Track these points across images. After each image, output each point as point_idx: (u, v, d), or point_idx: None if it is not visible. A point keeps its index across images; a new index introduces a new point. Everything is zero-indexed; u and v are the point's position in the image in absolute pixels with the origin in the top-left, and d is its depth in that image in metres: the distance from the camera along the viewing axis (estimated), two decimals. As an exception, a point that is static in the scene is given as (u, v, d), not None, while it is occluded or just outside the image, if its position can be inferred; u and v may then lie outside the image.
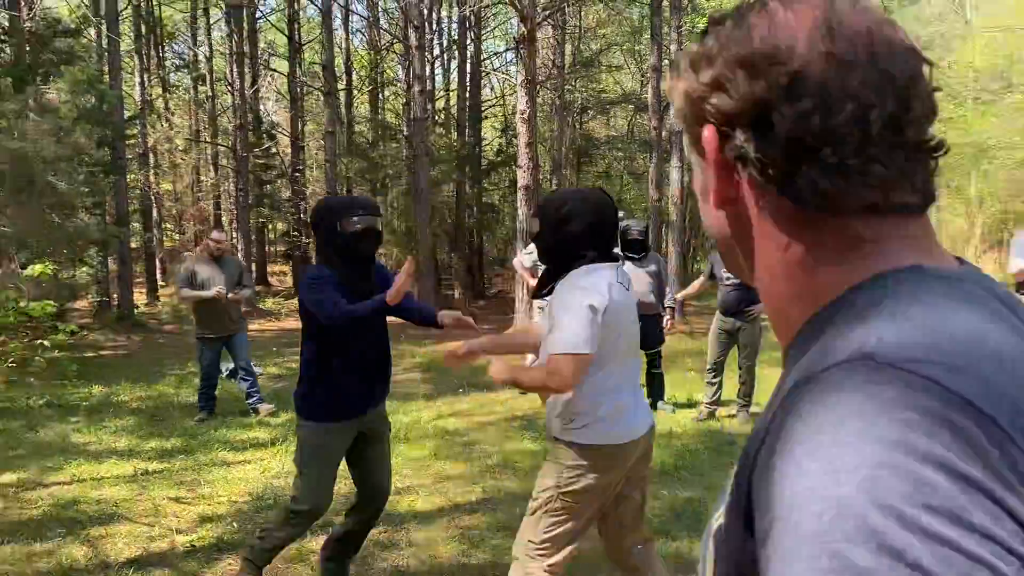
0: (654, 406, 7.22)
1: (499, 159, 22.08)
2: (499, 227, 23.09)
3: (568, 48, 24.39)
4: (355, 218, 3.18)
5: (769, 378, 8.76)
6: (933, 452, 0.49)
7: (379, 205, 3.38)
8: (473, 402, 7.87)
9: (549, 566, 2.58)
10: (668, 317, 7.01)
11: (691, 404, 7.39)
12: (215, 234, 7.41)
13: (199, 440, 6.55)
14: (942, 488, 0.48)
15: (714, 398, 6.77)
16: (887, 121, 0.63)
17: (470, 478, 5.26)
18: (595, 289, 2.44)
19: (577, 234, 2.52)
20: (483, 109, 24.99)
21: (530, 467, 5.46)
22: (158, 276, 23.59)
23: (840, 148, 0.63)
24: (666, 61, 15.71)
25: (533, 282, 8.05)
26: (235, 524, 4.51)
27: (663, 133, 16.31)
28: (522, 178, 12.81)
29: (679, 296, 7.27)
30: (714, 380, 6.77)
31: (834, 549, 0.48)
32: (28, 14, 15.41)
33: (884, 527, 0.47)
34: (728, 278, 6.54)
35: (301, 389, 3.33)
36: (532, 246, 8.33)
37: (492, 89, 28.81)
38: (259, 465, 5.76)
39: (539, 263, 7.95)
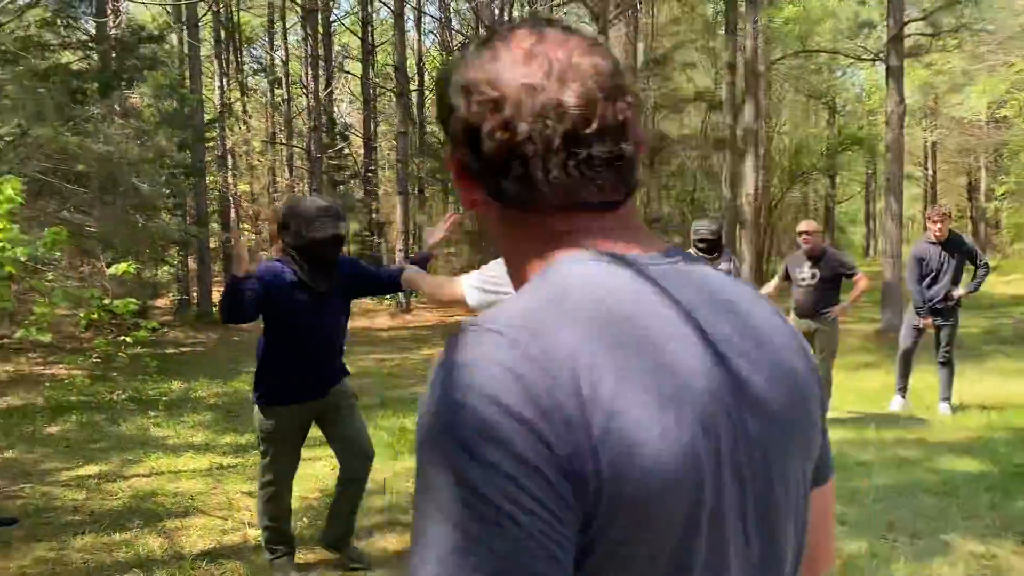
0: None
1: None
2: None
3: (641, 46, 24.16)
4: (321, 225, 3.34)
5: (848, 382, 8.51)
6: (496, 395, 0.63)
7: (341, 212, 3.52)
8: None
9: None
10: None
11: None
12: None
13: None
14: (496, 423, 0.62)
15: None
16: (566, 137, 0.75)
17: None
18: None
19: None
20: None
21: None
22: (236, 275, 24.18)
23: (525, 161, 0.75)
24: (742, 58, 15.40)
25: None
26: (305, 519, 4.56)
27: (738, 131, 16.00)
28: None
29: None
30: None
31: (421, 466, 0.64)
32: (114, 21, 16.01)
33: (449, 451, 0.63)
34: (803, 279, 6.35)
35: (255, 375, 3.58)
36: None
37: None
38: (329, 462, 5.82)
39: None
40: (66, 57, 11.82)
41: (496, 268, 2.59)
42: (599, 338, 0.67)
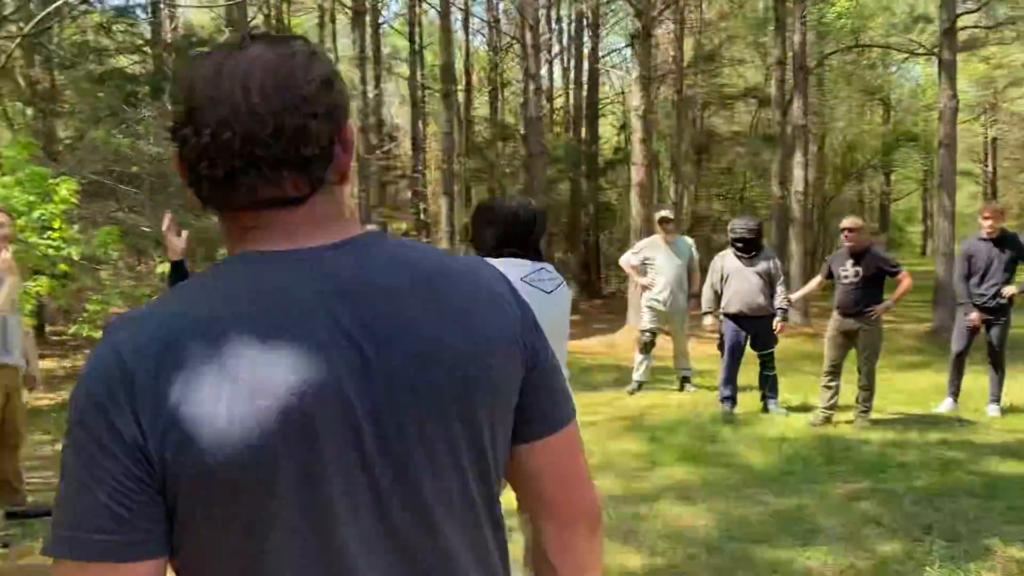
0: (766, 408, 6.97)
1: (616, 157, 21.88)
2: (616, 226, 22.89)
3: (690, 42, 23.91)
4: None
5: (895, 383, 8.32)
6: (88, 383, 0.81)
7: None
8: (578, 401, 7.71)
9: None
10: (779, 319, 6.73)
11: (806, 408, 7.08)
12: None
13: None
14: (82, 406, 0.80)
15: (830, 403, 6.46)
16: (245, 140, 0.83)
17: (569, 477, 5.21)
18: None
19: (495, 234, 2.92)
20: (601, 106, 24.83)
21: (633, 468, 5.37)
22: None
23: (209, 163, 0.85)
24: (791, 53, 15.15)
25: (641, 280, 7.93)
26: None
27: (787, 128, 15.74)
28: (636, 175, 12.66)
29: (793, 296, 6.98)
30: (830, 384, 6.45)
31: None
32: (171, 25, 16.40)
33: (65, 427, 0.82)
34: (846, 277, 6.23)
35: None
36: (639, 244, 8.21)
37: (611, 86, 28.63)
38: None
39: (647, 261, 7.83)
40: (121, 61, 12.14)
41: None
42: (191, 337, 0.80)
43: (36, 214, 7.38)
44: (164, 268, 9.19)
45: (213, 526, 0.81)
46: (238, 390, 0.78)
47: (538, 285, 2.87)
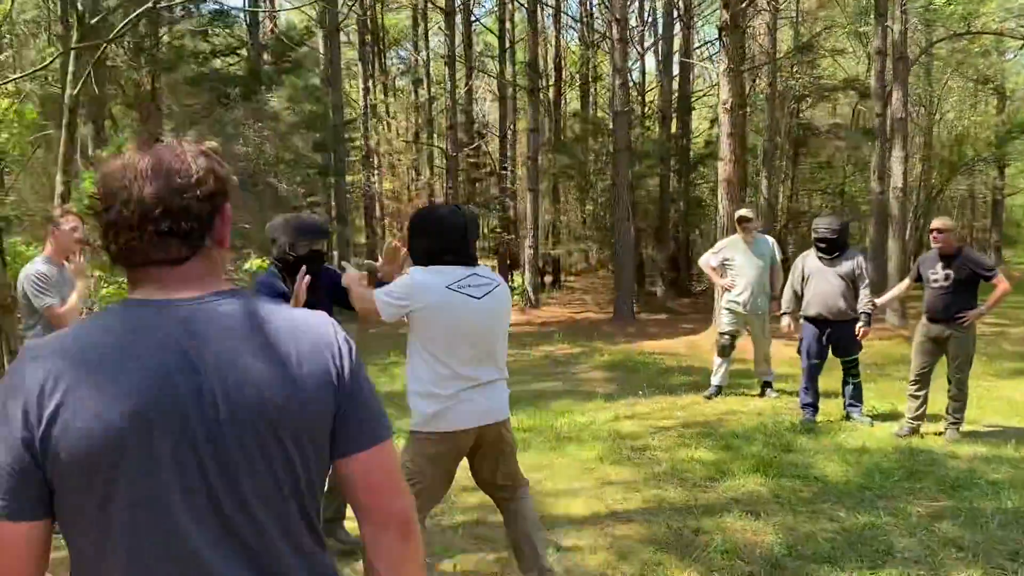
0: (849, 417, 6.67)
1: (708, 151, 21.38)
2: (707, 223, 22.37)
3: (788, 33, 23.13)
4: (304, 241, 3.61)
5: (993, 391, 7.83)
6: (2, 395, 1.12)
7: (326, 227, 3.87)
8: (653, 405, 7.64)
9: None
10: (862, 324, 6.40)
11: (894, 417, 6.73)
12: None
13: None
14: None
15: (917, 413, 6.11)
16: (139, 219, 1.16)
17: (633, 485, 5.08)
18: (427, 285, 2.98)
19: (427, 243, 3.06)
20: (694, 99, 24.31)
21: (700, 478, 5.19)
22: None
23: (114, 233, 1.18)
24: (891, 42, 14.46)
25: (720, 281, 7.70)
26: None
27: (887, 121, 15.04)
28: (723, 171, 12.30)
29: (879, 300, 6.63)
30: (917, 393, 6.11)
31: None
32: (270, 27, 16.88)
33: None
34: (935, 280, 5.88)
35: None
36: (719, 244, 7.97)
37: (706, 79, 28.01)
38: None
39: (727, 262, 7.59)
40: (216, 64, 12.56)
41: (399, 284, 3.03)
42: (71, 362, 1.12)
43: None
44: (251, 264, 9.51)
45: (78, 498, 1.12)
46: (102, 398, 1.10)
47: (466, 292, 2.99)
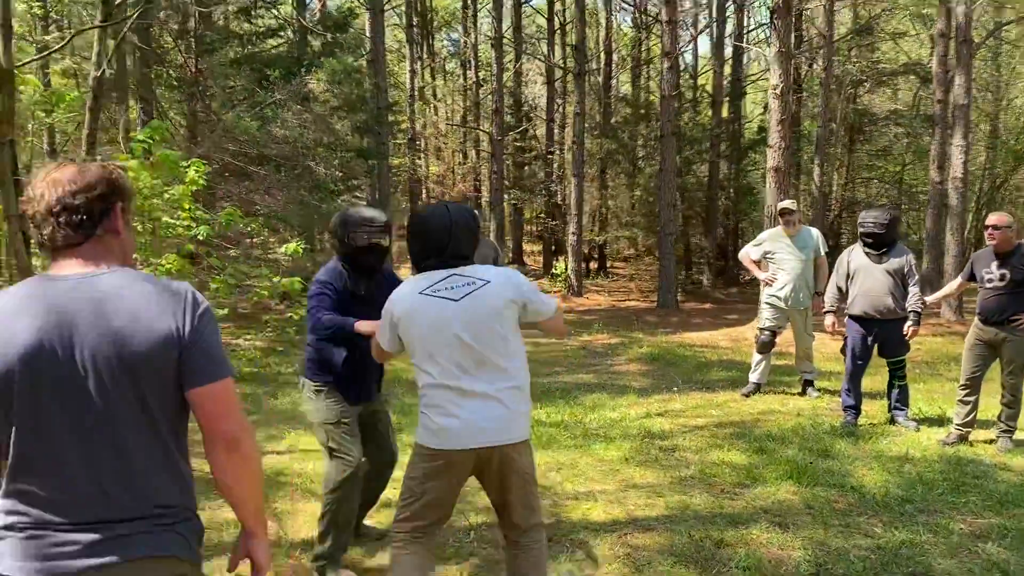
0: (893, 421, 6.34)
1: (759, 137, 20.82)
2: (758, 210, 21.83)
3: (847, 15, 22.36)
4: (363, 234, 3.53)
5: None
6: None
7: (389, 222, 3.70)
8: (688, 402, 7.39)
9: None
10: (910, 323, 6.04)
11: (942, 422, 6.38)
12: None
13: (404, 420, 6.71)
14: None
15: (966, 419, 5.76)
16: (51, 213, 1.69)
17: (657, 489, 4.86)
18: (399, 297, 2.87)
19: (416, 248, 2.93)
20: (747, 84, 23.71)
21: (729, 483, 4.95)
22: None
23: (38, 225, 1.70)
24: (955, 25, 13.82)
25: (762, 275, 7.40)
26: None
27: (948, 107, 14.41)
28: (772, 158, 11.90)
29: (929, 299, 6.26)
30: (967, 399, 5.75)
31: None
32: (319, 5, 16.81)
33: None
34: (990, 280, 5.51)
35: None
36: (761, 236, 7.64)
37: (760, 62, 27.29)
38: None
39: (768, 255, 7.28)
40: (259, 46, 12.52)
41: (384, 307, 2.91)
42: None
43: (167, 195, 7.69)
44: (288, 248, 9.44)
45: None
46: (5, 343, 1.59)
47: (441, 295, 2.81)
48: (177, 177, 7.72)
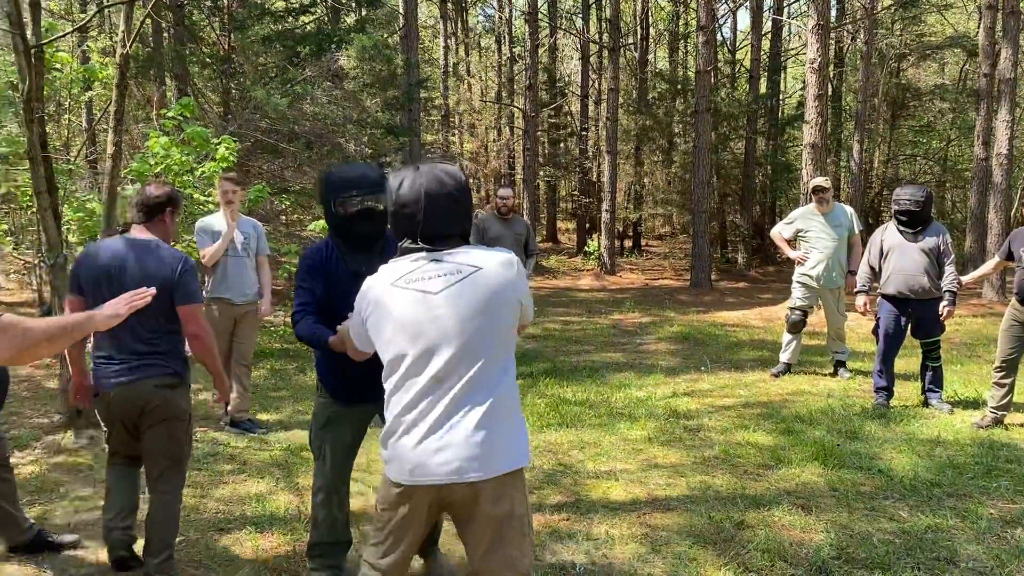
0: (927, 403, 6.20)
1: (797, 113, 20.42)
2: (795, 187, 21.47)
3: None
4: (351, 199, 2.94)
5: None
6: None
7: (382, 180, 2.94)
8: (716, 381, 7.30)
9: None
10: (946, 303, 5.89)
11: (977, 405, 6.23)
12: (502, 192, 7.47)
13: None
14: None
15: (1001, 402, 5.61)
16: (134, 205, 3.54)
17: (680, 469, 4.81)
18: (369, 286, 2.33)
19: (392, 225, 2.37)
20: (786, 58, 23.24)
21: (753, 464, 4.88)
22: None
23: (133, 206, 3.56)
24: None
25: (793, 254, 7.27)
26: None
27: (994, 82, 13.98)
28: (809, 134, 11.67)
29: (965, 279, 6.09)
30: (1003, 380, 5.60)
31: None
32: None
33: None
34: (1028, 259, 5.35)
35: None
36: (793, 214, 7.49)
37: (801, 37, 26.73)
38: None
39: (801, 233, 7.14)
40: (290, 23, 12.51)
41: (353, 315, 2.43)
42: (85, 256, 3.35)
43: (199, 172, 7.73)
44: (316, 225, 9.48)
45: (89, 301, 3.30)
46: (93, 263, 3.27)
47: (416, 287, 2.22)
48: (208, 153, 7.77)
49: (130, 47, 5.53)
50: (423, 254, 2.27)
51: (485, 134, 27.20)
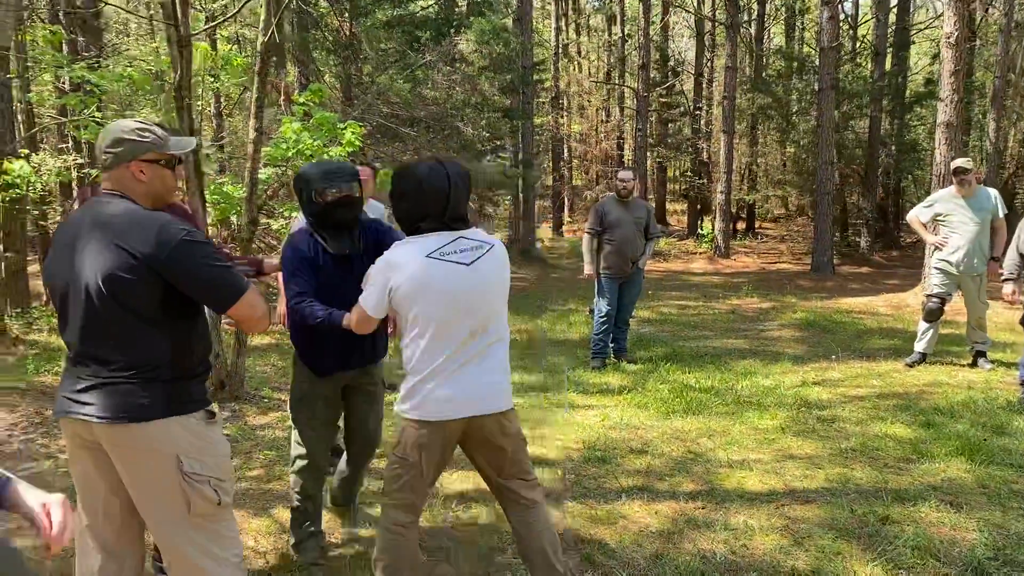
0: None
1: (926, 90, 19.42)
2: (923, 168, 20.45)
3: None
4: (329, 187, 3.21)
5: None
6: None
7: (356, 169, 3.35)
8: (847, 371, 7.07)
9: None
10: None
11: None
12: (622, 174, 7.30)
13: (553, 379, 6.78)
14: None
15: None
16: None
17: (816, 461, 4.70)
18: (399, 260, 2.67)
19: (407, 207, 2.72)
20: (913, 32, 22.11)
21: (894, 458, 4.72)
22: (564, 213, 24.95)
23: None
24: None
25: (932, 239, 6.96)
26: (559, 471, 4.55)
27: None
28: (943, 113, 11.09)
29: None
30: None
31: None
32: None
33: None
34: None
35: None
36: (932, 197, 7.16)
37: (930, 9, 25.39)
38: (601, 412, 5.78)
39: (940, 217, 6.82)
40: (410, 8, 12.72)
41: (374, 269, 2.75)
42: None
43: (328, 156, 7.98)
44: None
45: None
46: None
47: (451, 259, 2.67)
48: (335, 138, 8.00)
49: (269, 36, 5.74)
50: (446, 232, 2.70)
51: (595, 115, 27.00)
